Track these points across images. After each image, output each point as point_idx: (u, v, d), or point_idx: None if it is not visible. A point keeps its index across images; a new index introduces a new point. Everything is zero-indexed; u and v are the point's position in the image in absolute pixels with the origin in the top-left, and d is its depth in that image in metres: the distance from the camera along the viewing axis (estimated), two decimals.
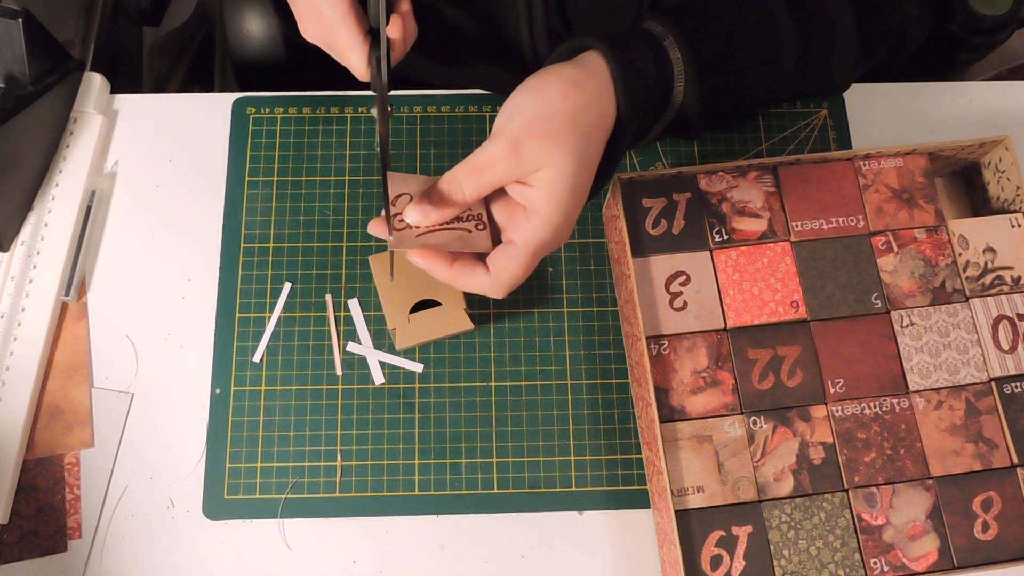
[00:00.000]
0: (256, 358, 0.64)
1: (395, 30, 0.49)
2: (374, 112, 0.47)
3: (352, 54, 0.50)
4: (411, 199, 0.47)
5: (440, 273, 0.47)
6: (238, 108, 0.71)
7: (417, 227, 0.47)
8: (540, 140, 0.44)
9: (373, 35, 0.50)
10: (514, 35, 0.63)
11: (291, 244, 0.67)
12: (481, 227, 0.48)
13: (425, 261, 0.47)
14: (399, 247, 0.46)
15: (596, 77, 0.47)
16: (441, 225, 0.47)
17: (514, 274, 0.47)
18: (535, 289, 0.66)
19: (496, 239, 0.48)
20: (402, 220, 0.47)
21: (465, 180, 0.45)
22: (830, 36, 0.57)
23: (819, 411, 0.57)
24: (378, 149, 0.47)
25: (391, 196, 0.47)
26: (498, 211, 0.48)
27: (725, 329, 0.59)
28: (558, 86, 0.46)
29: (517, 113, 0.45)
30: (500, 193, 0.48)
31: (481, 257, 0.48)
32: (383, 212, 0.47)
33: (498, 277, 0.47)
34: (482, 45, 0.66)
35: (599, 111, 0.47)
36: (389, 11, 0.48)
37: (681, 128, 0.54)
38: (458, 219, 0.48)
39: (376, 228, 0.48)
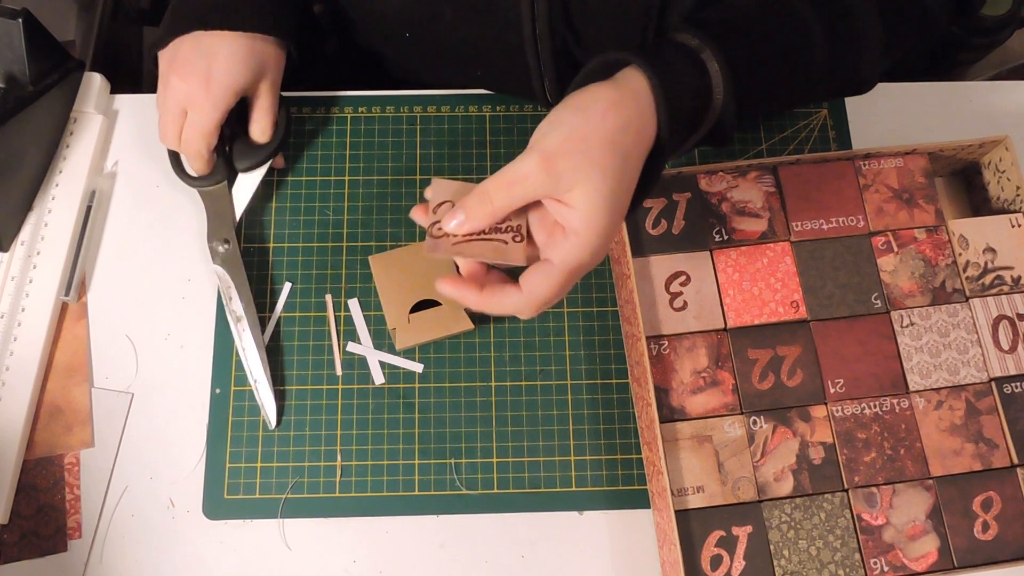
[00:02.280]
0: None
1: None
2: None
3: (198, 163, 0.61)
4: (452, 207, 0.47)
5: (470, 300, 0.47)
6: None
7: (453, 236, 0.47)
8: (575, 159, 0.44)
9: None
10: (515, 33, 0.63)
11: (291, 244, 0.67)
12: (518, 239, 0.47)
13: (455, 289, 0.47)
14: (434, 255, 0.47)
15: (637, 97, 0.46)
16: (477, 235, 0.47)
17: (547, 293, 0.46)
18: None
19: (534, 257, 0.48)
20: (440, 228, 0.47)
21: (495, 192, 0.45)
22: (857, 32, 0.56)
23: (819, 411, 0.57)
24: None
25: (434, 203, 0.48)
26: (537, 229, 0.48)
27: (725, 329, 0.59)
28: (598, 106, 0.45)
29: (554, 130, 0.45)
30: (542, 211, 0.48)
31: (512, 275, 0.48)
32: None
33: (530, 295, 0.46)
34: (482, 44, 0.66)
35: (638, 131, 0.46)
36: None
37: (713, 138, 0.54)
38: (496, 230, 0.47)
39: (418, 215, 0.48)
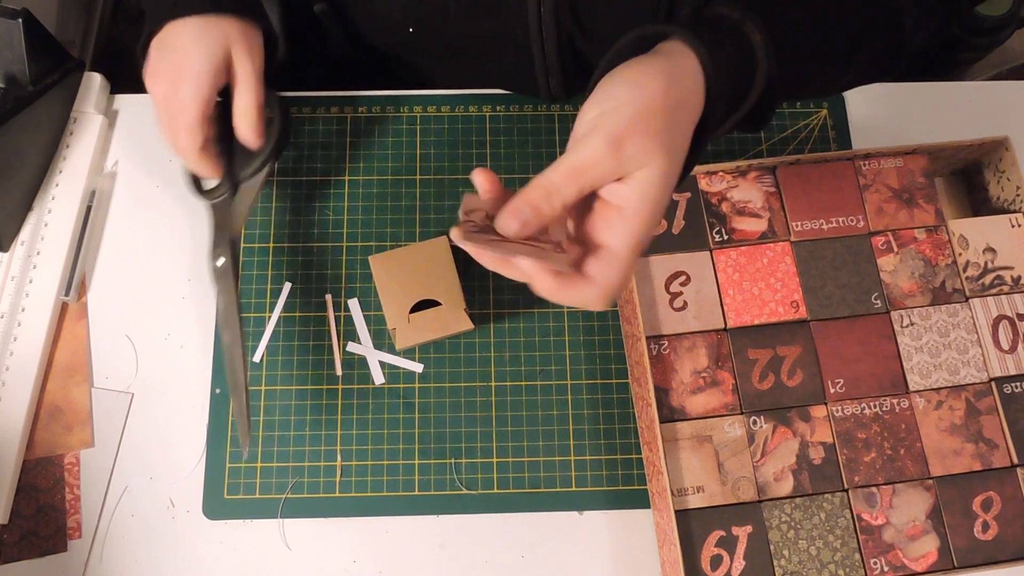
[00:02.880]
0: (256, 358, 0.64)
1: (252, 132, 0.57)
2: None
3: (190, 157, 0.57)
4: (487, 214, 0.43)
5: (543, 284, 0.43)
6: None
7: (489, 234, 0.42)
8: (643, 140, 0.41)
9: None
10: (521, 27, 0.63)
11: (291, 244, 0.67)
12: (559, 251, 0.43)
13: (532, 270, 0.43)
14: (461, 242, 0.41)
15: (689, 73, 0.44)
16: (521, 240, 0.42)
17: (619, 281, 0.43)
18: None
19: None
20: (475, 227, 0.42)
21: (564, 183, 0.41)
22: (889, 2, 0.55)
23: (819, 411, 0.57)
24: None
25: (466, 208, 0.43)
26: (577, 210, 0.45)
27: (725, 329, 0.59)
28: (658, 81, 0.43)
29: (616, 109, 0.42)
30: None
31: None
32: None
33: (604, 287, 0.43)
34: (487, 39, 0.66)
35: (692, 107, 0.44)
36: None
37: (752, 118, 0.52)
38: (534, 239, 0.43)
39: (458, 236, 0.42)
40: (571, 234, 0.45)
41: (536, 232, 0.42)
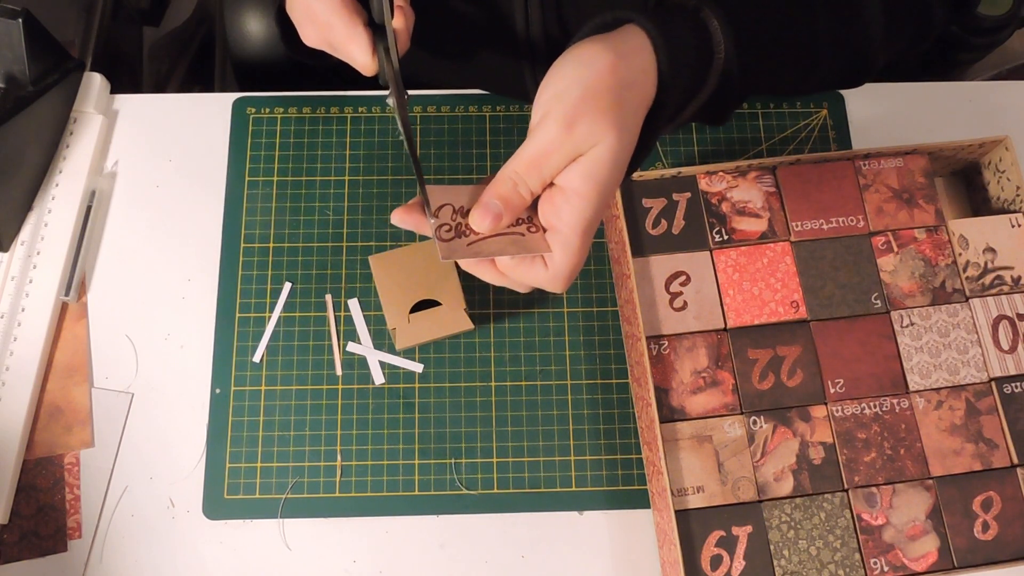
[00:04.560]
0: (256, 358, 0.64)
1: (398, 19, 0.47)
2: (391, 102, 0.45)
3: (352, 46, 0.48)
4: (454, 209, 0.44)
5: (489, 275, 0.45)
6: (238, 108, 0.71)
7: (466, 236, 0.43)
8: (593, 117, 0.41)
9: (374, 28, 0.49)
10: (509, 34, 0.63)
11: (291, 244, 0.67)
12: (534, 230, 0.44)
13: (474, 265, 0.45)
14: (452, 258, 0.43)
15: (639, 52, 0.44)
16: (497, 233, 0.44)
17: (570, 264, 0.44)
18: (535, 289, 0.66)
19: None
20: (449, 230, 0.43)
21: (527, 174, 0.42)
22: (858, 5, 0.55)
23: (819, 411, 0.57)
24: (403, 138, 0.44)
25: (432, 208, 0.44)
26: None
27: (725, 329, 0.59)
28: (605, 58, 0.43)
29: (565, 90, 0.42)
30: None
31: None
32: (411, 200, 0.44)
33: (556, 270, 0.44)
34: (481, 34, 0.66)
35: (641, 89, 0.44)
36: (392, 2, 0.47)
37: (712, 111, 0.52)
38: (510, 223, 0.44)
39: (400, 217, 0.44)
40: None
41: (511, 222, 0.43)
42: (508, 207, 0.43)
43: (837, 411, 0.57)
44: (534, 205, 0.45)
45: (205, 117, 0.70)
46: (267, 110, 0.71)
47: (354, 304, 0.66)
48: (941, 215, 0.61)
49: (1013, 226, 0.61)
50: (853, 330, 0.59)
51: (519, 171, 0.42)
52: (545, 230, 0.44)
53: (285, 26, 0.58)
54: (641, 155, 0.47)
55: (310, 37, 0.51)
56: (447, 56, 0.70)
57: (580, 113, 0.41)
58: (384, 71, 0.48)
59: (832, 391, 0.57)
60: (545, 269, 0.44)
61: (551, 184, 0.44)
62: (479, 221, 0.43)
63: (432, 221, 0.43)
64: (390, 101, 0.46)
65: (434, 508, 0.62)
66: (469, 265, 0.45)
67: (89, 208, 0.66)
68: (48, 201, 0.66)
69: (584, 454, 0.63)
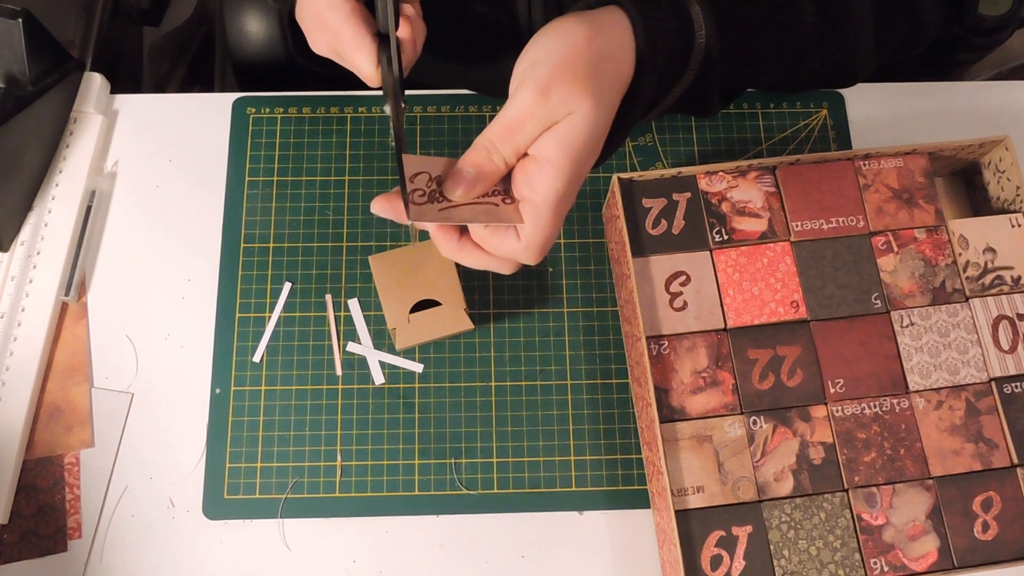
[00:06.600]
0: (256, 358, 0.64)
1: (404, 30, 0.48)
2: (387, 109, 0.46)
3: (359, 55, 0.49)
4: (430, 177, 0.43)
5: (448, 247, 0.44)
6: (238, 108, 0.71)
7: (438, 201, 0.43)
8: (568, 85, 0.41)
9: (381, 39, 0.49)
10: (512, 35, 0.63)
11: (291, 244, 0.67)
12: (508, 201, 0.44)
13: (436, 232, 0.44)
14: (420, 220, 0.43)
15: (616, 26, 0.45)
16: (470, 201, 0.43)
17: (541, 235, 0.43)
18: (535, 289, 0.66)
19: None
20: (422, 195, 0.43)
21: (500, 142, 0.42)
22: (847, 7, 0.56)
23: (819, 411, 0.57)
24: (392, 142, 0.45)
25: (408, 175, 0.44)
26: None
27: (725, 329, 0.59)
28: (582, 30, 0.43)
29: (542, 59, 0.42)
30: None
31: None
32: (393, 189, 0.45)
33: (528, 242, 0.43)
34: (489, 37, 0.66)
35: (618, 63, 0.44)
36: (397, 13, 0.47)
37: (696, 100, 0.52)
38: (484, 192, 0.44)
39: (381, 206, 0.44)
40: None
41: (485, 191, 0.43)
42: (481, 175, 0.43)
43: (837, 411, 0.57)
44: (510, 178, 0.45)
45: (205, 117, 0.70)
46: (267, 110, 0.71)
47: (354, 304, 0.66)
48: (941, 215, 0.61)
49: (1013, 226, 0.61)
50: (853, 330, 0.59)
51: (493, 139, 0.42)
52: (515, 201, 0.44)
53: (294, 33, 0.58)
54: (617, 139, 0.47)
55: (319, 45, 0.52)
56: (450, 59, 0.70)
57: (555, 81, 0.41)
58: (385, 80, 0.48)
59: (832, 391, 0.57)
60: (517, 240, 0.44)
61: (526, 155, 0.44)
62: (452, 187, 0.43)
63: (410, 185, 0.43)
64: (386, 108, 0.46)
65: (434, 508, 0.62)
66: (449, 248, 0.44)
67: (89, 208, 0.66)
68: (48, 201, 0.66)
69: (584, 454, 0.63)
